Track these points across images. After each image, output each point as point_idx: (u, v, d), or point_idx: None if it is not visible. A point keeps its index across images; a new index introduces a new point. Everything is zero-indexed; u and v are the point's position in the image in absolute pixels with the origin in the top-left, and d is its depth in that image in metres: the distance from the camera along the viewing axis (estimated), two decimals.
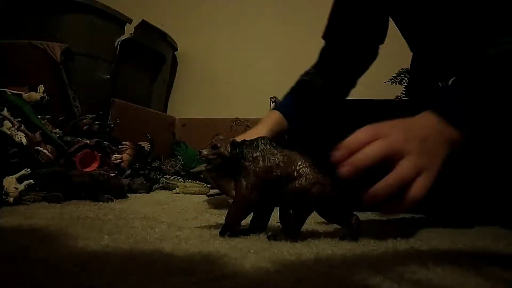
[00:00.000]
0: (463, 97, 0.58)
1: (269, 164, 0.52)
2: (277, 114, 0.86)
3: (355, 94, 0.94)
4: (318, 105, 0.89)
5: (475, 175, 0.72)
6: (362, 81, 0.99)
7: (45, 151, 0.91)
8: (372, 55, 0.91)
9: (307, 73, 0.91)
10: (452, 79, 0.61)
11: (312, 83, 0.89)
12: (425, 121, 0.55)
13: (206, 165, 0.55)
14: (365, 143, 0.49)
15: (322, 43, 0.96)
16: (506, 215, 0.71)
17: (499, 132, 0.59)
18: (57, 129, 1.06)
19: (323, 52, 0.93)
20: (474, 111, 0.56)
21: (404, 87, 1.51)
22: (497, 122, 0.58)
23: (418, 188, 0.48)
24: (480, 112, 0.56)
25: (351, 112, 0.87)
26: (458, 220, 0.72)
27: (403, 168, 0.48)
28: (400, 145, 0.49)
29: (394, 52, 0.92)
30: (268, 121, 0.85)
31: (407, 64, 0.99)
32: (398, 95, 1.51)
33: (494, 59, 0.59)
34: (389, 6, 0.84)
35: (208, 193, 0.93)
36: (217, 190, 0.85)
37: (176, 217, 0.66)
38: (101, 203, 0.78)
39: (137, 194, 1.02)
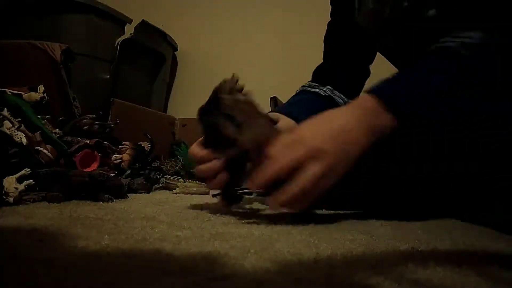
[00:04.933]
0: (398, 81, 0.61)
1: None
2: (283, 116, 0.84)
3: None
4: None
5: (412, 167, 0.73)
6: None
7: (45, 151, 0.91)
8: (366, 74, 0.98)
9: (308, 86, 0.93)
10: None
11: (318, 93, 0.91)
12: (346, 111, 0.58)
13: None
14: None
15: (322, 46, 0.98)
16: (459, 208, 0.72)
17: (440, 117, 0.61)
18: (57, 129, 1.06)
19: (320, 72, 0.96)
20: (407, 93, 0.59)
21: None
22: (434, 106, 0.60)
23: (304, 177, 0.52)
24: (414, 93, 0.59)
25: None
26: (400, 213, 0.73)
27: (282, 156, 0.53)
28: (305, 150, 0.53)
29: None
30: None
31: None
32: None
33: (432, 51, 0.62)
34: (373, 42, 0.90)
35: (213, 194, 0.92)
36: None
37: (176, 217, 0.66)
38: (101, 203, 0.78)
39: (137, 194, 1.02)
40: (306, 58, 0.99)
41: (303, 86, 0.95)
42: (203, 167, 0.66)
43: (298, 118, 0.83)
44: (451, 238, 0.58)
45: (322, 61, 0.98)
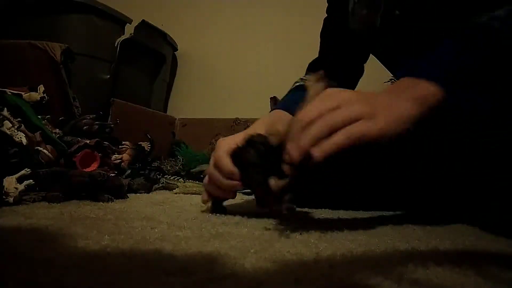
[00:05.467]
0: (438, 54, 0.56)
1: None
2: (280, 112, 0.81)
3: None
4: None
5: (459, 170, 0.71)
6: (362, 81, 1.00)
7: (45, 151, 0.91)
8: (360, 72, 0.97)
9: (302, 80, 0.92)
10: None
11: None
12: (390, 90, 0.54)
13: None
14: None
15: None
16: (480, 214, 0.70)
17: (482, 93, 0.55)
18: (57, 129, 1.06)
19: (316, 67, 0.95)
20: (448, 65, 0.54)
21: None
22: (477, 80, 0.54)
23: (352, 128, 0.46)
24: (454, 65, 0.54)
25: None
26: (438, 216, 0.72)
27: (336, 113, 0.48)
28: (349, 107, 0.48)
29: None
30: (267, 119, 0.80)
31: None
32: None
33: (463, 28, 0.58)
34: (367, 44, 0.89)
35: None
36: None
37: (176, 217, 0.66)
38: (101, 203, 0.78)
39: (137, 194, 1.02)
40: (306, 58, 0.99)
41: (302, 79, 0.92)
42: (227, 182, 0.65)
43: None
44: (451, 238, 0.58)
45: (306, 69, 0.98)
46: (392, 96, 0.52)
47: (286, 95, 0.91)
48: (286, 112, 0.81)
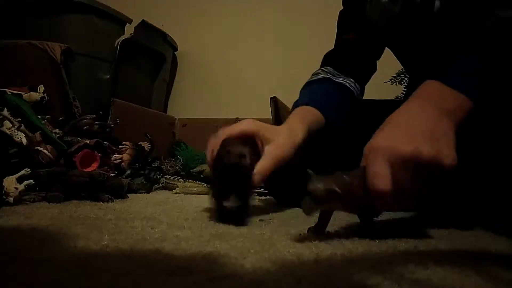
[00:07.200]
0: (463, 64, 0.56)
1: None
2: (313, 111, 0.78)
3: None
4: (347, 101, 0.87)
5: (479, 176, 0.71)
6: None
7: (45, 151, 0.91)
8: (373, 69, 0.94)
9: (330, 73, 0.89)
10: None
11: (343, 84, 0.87)
12: (421, 104, 0.54)
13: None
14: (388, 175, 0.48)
15: (323, 45, 0.97)
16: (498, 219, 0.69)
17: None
18: (57, 129, 1.06)
19: (335, 58, 0.92)
20: (477, 74, 0.55)
21: (404, 87, 1.52)
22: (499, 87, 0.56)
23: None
24: (482, 75, 0.55)
25: (355, 112, 0.87)
26: (457, 220, 0.72)
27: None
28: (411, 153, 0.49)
29: None
30: (303, 117, 0.75)
31: None
32: (398, 95, 1.51)
33: (491, 27, 0.58)
34: (384, 39, 0.87)
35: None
36: None
37: (176, 217, 0.66)
38: (101, 203, 0.78)
39: (137, 194, 1.02)
40: (305, 58, 0.98)
41: (323, 71, 0.89)
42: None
43: (332, 120, 0.80)
44: (451, 238, 0.58)
45: (322, 61, 0.97)
46: (430, 114, 0.53)
47: (308, 86, 0.87)
48: (315, 110, 0.78)
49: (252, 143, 0.63)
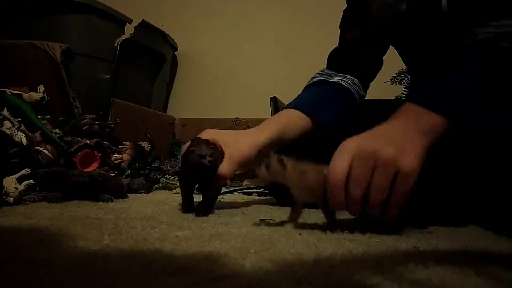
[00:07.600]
0: (438, 83, 0.59)
1: None
2: (294, 113, 0.81)
3: None
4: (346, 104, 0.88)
5: (469, 174, 0.72)
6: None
7: (45, 151, 0.91)
8: (379, 65, 0.95)
9: (326, 74, 0.91)
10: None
11: (338, 83, 0.88)
12: (399, 122, 0.57)
13: None
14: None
15: (322, 45, 0.96)
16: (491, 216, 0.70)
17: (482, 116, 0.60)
18: (57, 129, 1.06)
19: (337, 57, 0.93)
20: (451, 94, 0.58)
21: (404, 87, 1.52)
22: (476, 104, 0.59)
23: (397, 194, 0.52)
24: (457, 94, 0.58)
25: (355, 112, 0.87)
26: (451, 218, 0.72)
27: (376, 182, 0.52)
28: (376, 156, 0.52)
29: (394, 52, 0.92)
30: (276, 120, 0.81)
31: None
32: (398, 95, 1.51)
33: (469, 46, 0.61)
34: (388, 37, 0.89)
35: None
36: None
37: (176, 217, 0.66)
38: (101, 203, 0.78)
39: (137, 194, 1.02)
40: (305, 59, 0.98)
41: (320, 73, 0.91)
42: None
43: (320, 119, 0.83)
44: (451, 238, 0.58)
45: (322, 61, 0.97)
46: (405, 130, 0.56)
47: (303, 91, 0.90)
48: (296, 111, 0.82)
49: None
